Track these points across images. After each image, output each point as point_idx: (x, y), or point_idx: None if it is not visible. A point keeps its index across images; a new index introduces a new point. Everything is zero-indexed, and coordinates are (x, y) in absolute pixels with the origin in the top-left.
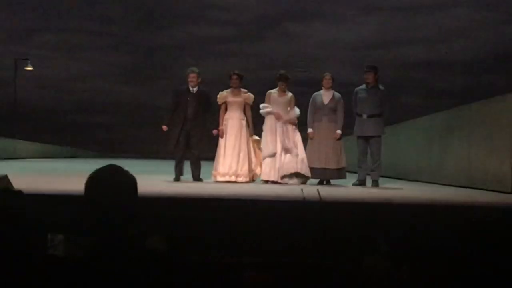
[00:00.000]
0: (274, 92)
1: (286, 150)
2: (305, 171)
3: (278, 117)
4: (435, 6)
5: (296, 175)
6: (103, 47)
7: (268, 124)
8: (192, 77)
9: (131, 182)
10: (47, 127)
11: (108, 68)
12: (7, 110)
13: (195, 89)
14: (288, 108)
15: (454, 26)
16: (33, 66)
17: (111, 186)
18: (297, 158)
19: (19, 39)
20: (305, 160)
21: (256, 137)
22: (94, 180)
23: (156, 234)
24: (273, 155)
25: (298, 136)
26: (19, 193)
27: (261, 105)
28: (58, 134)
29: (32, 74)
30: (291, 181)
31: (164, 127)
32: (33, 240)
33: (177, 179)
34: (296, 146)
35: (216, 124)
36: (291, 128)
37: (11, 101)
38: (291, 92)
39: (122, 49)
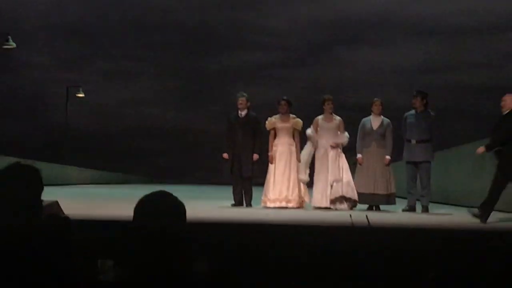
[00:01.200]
0: (321, 118)
1: (334, 177)
2: (351, 194)
3: (326, 148)
4: (486, 30)
5: (343, 199)
6: (153, 74)
7: (318, 153)
8: (241, 101)
9: (180, 207)
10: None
11: (158, 94)
12: (58, 136)
13: (244, 113)
14: (338, 132)
15: (505, 50)
16: (84, 92)
17: (160, 212)
18: (342, 182)
19: (71, 66)
20: (351, 183)
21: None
22: (143, 205)
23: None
24: (323, 183)
25: (343, 160)
26: (67, 219)
27: (307, 130)
28: (109, 160)
29: (83, 100)
30: (340, 206)
31: (225, 155)
32: (83, 266)
33: (236, 204)
34: (342, 171)
35: (265, 149)
36: (337, 153)
37: (63, 127)
38: (339, 116)
39: (172, 75)
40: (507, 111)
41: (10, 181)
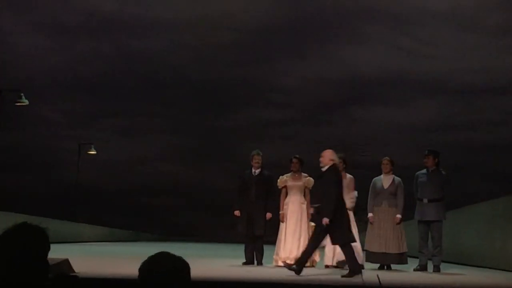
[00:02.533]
0: None
1: None
2: None
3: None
4: (498, 88)
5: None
6: (165, 130)
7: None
8: (257, 160)
9: (183, 268)
10: (110, 210)
11: (171, 150)
12: (70, 193)
13: (258, 171)
14: (347, 190)
15: None
16: (96, 149)
17: (163, 273)
18: None
19: (83, 122)
20: (357, 247)
21: (313, 224)
22: (147, 266)
23: None
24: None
25: (351, 222)
26: (75, 278)
27: None
28: (120, 216)
29: (95, 157)
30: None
31: (237, 212)
32: None
33: (247, 262)
34: None
35: (276, 208)
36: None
37: (75, 184)
38: (350, 174)
39: (185, 131)
40: None
41: (17, 241)
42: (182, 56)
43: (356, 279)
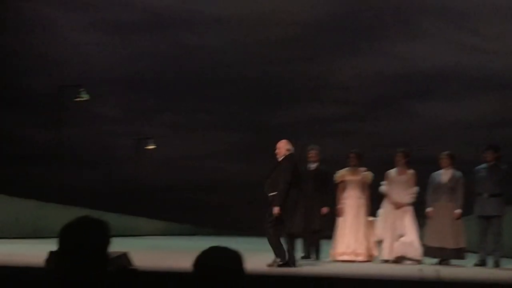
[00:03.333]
0: (393, 171)
1: (397, 234)
2: (413, 254)
3: (394, 204)
4: None
5: (404, 258)
6: (221, 126)
7: (384, 207)
8: (312, 154)
9: (238, 261)
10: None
11: (227, 146)
12: (129, 187)
13: (314, 166)
14: (406, 186)
15: None
16: (155, 144)
17: (217, 266)
18: (405, 241)
19: (141, 118)
20: (415, 243)
21: (371, 218)
22: (201, 260)
23: None
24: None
25: (409, 218)
26: (134, 271)
27: (381, 188)
28: (178, 211)
29: (153, 152)
30: (406, 262)
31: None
32: None
33: (304, 256)
34: (406, 230)
35: (333, 203)
36: (404, 210)
37: (133, 179)
38: (412, 169)
39: (240, 128)
40: None
41: (78, 234)
42: (237, 53)
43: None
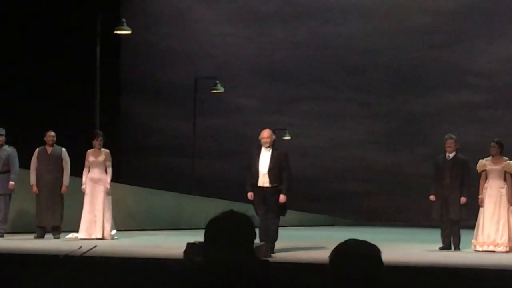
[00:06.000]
0: None
1: None
2: None
3: None
4: None
5: None
6: (359, 115)
7: None
8: (449, 143)
9: (375, 255)
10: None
11: (363, 135)
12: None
13: (451, 155)
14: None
15: None
16: (291, 135)
17: (354, 260)
18: None
19: (277, 109)
20: None
21: None
22: (337, 254)
23: None
24: None
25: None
26: (267, 262)
27: None
28: (315, 202)
29: (289, 143)
30: None
31: (432, 197)
32: None
33: (444, 247)
34: None
35: (475, 192)
36: None
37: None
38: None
39: (377, 116)
40: None
41: (225, 227)
42: (375, 41)
43: None
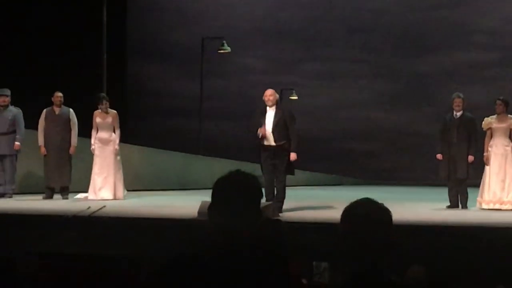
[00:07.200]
0: None
1: None
2: None
3: None
4: None
5: None
6: (366, 75)
7: None
8: (457, 102)
9: (386, 215)
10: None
11: (371, 96)
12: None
13: (459, 114)
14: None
15: None
16: (298, 95)
17: (365, 220)
18: None
19: (284, 69)
20: None
21: None
22: (348, 214)
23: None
24: None
25: None
26: (278, 221)
27: None
28: (323, 162)
29: (296, 103)
30: None
31: (439, 156)
32: (297, 267)
33: (452, 206)
34: None
35: (479, 151)
36: None
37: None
38: None
39: (384, 76)
40: None
41: (231, 187)
42: (382, 1)
43: None
